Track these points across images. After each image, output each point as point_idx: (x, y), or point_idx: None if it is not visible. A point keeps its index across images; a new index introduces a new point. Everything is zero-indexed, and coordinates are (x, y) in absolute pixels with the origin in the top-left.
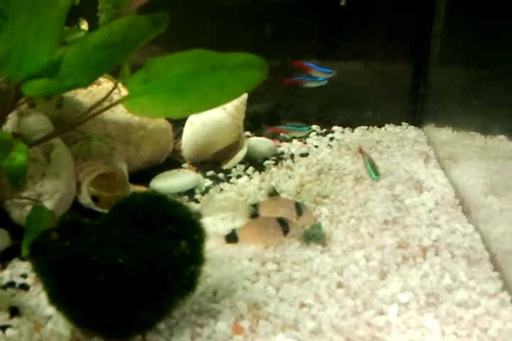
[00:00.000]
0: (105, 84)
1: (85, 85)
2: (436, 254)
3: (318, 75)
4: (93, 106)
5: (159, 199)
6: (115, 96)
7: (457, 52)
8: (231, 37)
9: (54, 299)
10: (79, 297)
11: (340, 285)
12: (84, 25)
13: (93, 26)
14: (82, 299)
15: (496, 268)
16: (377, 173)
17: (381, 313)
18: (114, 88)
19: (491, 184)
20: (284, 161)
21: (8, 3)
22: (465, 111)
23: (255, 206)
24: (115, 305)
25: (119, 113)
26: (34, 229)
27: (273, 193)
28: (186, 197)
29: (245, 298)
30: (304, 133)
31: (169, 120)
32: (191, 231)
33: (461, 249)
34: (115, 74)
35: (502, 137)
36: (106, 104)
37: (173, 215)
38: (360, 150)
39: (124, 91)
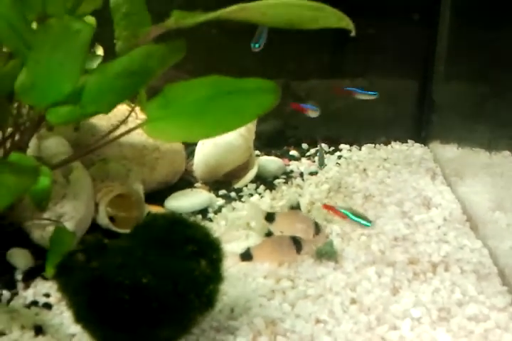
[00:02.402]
0: (120, 107)
1: (106, 112)
2: (446, 270)
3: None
4: (111, 130)
5: (179, 221)
6: (130, 119)
7: (461, 70)
8: (243, 54)
9: (81, 317)
10: (106, 315)
11: (353, 301)
12: (100, 51)
13: (108, 52)
14: (109, 317)
15: (505, 282)
16: (367, 219)
17: (394, 328)
18: (131, 112)
19: (497, 200)
20: (293, 180)
21: (33, 35)
22: (470, 128)
23: (271, 215)
24: (140, 322)
25: (135, 135)
26: (57, 249)
27: (295, 207)
28: (200, 216)
29: (262, 314)
30: (370, 97)
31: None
32: (210, 251)
33: (470, 264)
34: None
35: (507, 153)
36: (123, 127)
37: (193, 236)
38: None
39: (140, 115)
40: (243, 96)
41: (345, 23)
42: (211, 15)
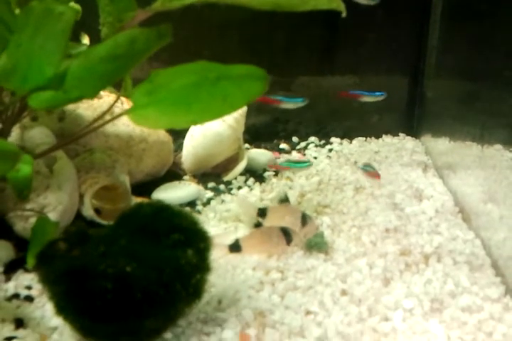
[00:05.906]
0: (106, 97)
1: (90, 97)
2: (439, 261)
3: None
4: (95, 119)
5: (165, 209)
6: (116, 110)
7: (453, 63)
8: (232, 51)
9: (61, 309)
10: (87, 306)
11: (344, 293)
12: (86, 40)
13: (94, 41)
14: (89, 308)
15: (498, 273)
16: None
17: (386, 319)
18: (116, 101)
19: (489, 192)
20: (283, 172)
21: (14, 17)
22: (461, 121)
23: (263, 210)
24: (123, 313)
25: (121, 126)
26: (39, 240)
27: (284, 200)
28: (188, 209)
29: (250, 306)
30: (377, 99)
31: (170, 133)
32: (197, 240)
33: (463, 255)
34: (116, 87)
35: (498, 146)
36: (108, 117)
37: (180, 224)
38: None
39: (126, 104)
40: (231, 82)
41: (336, 4)
42: None
